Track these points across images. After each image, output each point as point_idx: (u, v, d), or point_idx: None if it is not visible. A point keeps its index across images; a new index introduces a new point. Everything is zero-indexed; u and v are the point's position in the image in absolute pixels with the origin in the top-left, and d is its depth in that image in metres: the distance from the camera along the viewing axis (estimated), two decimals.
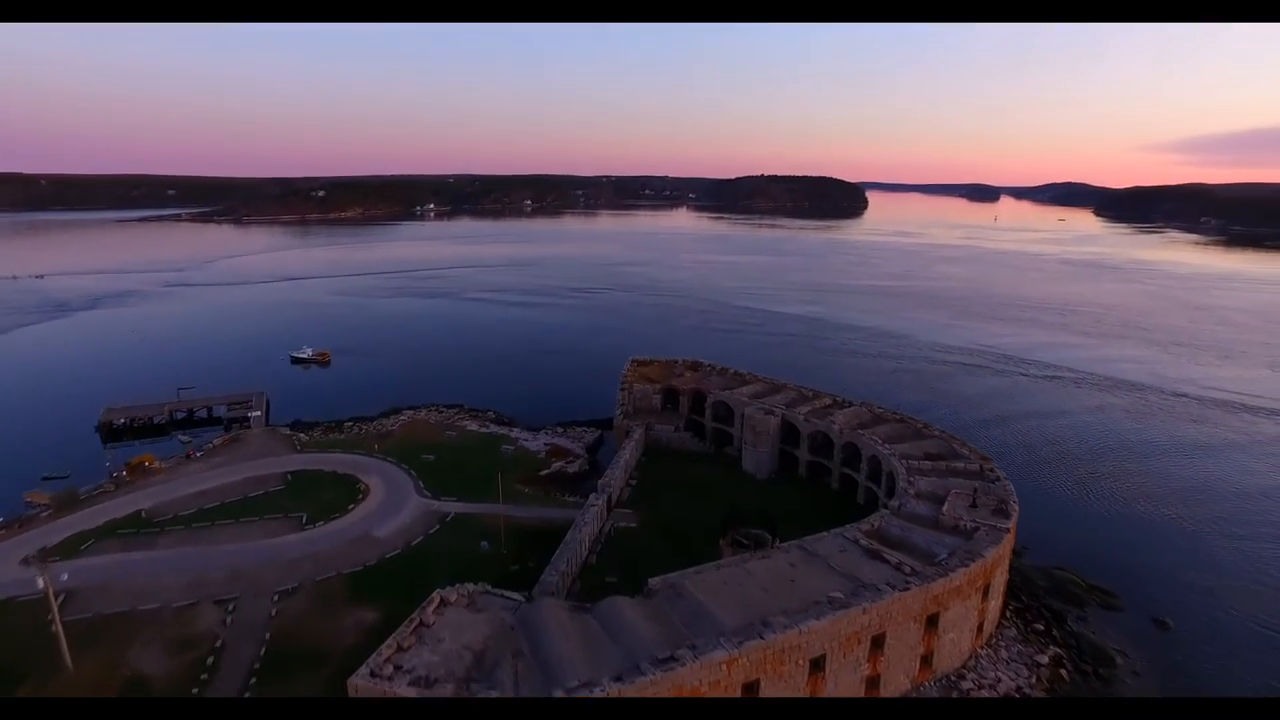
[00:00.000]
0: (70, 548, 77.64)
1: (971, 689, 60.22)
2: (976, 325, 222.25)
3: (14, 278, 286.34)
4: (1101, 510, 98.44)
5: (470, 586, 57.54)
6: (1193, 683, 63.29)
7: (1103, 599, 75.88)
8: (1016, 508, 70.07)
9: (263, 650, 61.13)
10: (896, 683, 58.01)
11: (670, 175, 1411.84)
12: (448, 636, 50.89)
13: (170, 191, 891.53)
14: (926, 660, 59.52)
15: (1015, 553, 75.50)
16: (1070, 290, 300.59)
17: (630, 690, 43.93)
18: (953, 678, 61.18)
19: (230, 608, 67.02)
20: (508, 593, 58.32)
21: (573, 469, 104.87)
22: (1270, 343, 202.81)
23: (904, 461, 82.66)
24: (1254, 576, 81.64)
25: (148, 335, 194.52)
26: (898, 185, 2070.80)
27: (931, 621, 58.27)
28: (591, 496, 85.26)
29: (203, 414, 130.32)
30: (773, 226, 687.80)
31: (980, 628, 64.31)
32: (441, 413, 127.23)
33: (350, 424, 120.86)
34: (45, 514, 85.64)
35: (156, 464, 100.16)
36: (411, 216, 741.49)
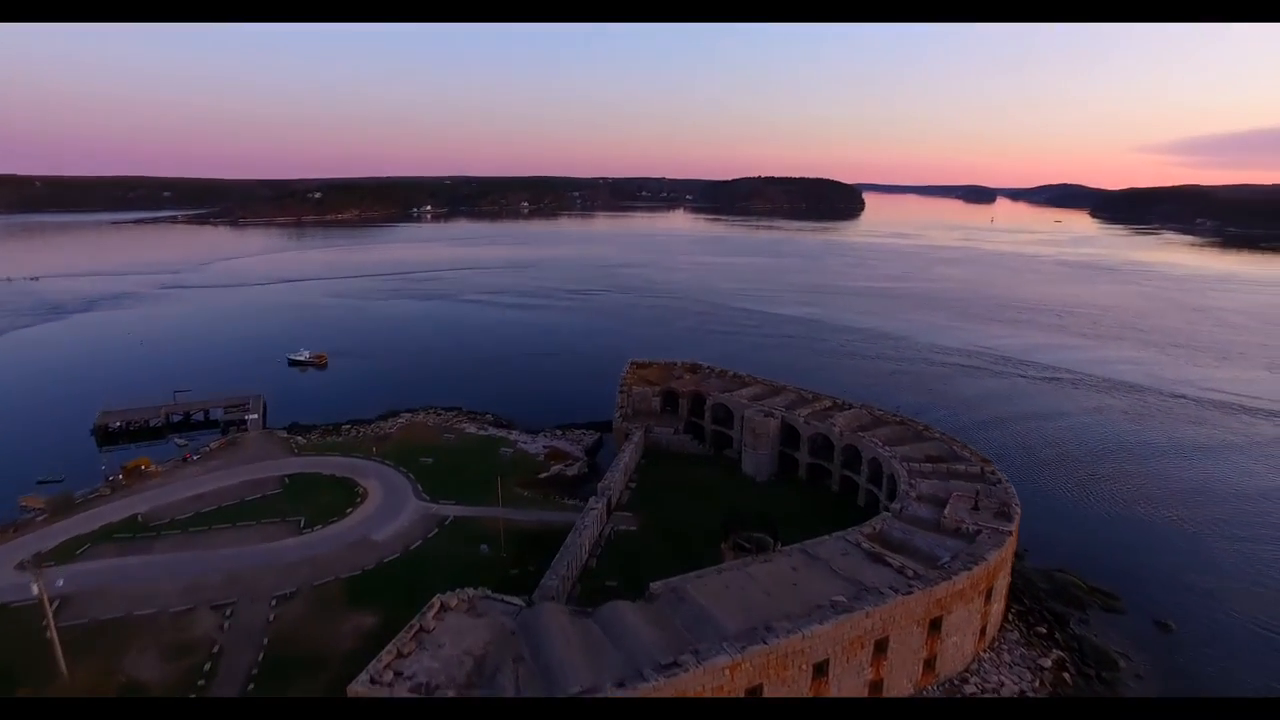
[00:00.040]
0: (65, 552, 76.97)
1: (975, 693, 59.93)
2: (974, 327, 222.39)
3: (9, 280, 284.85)
4: (1101, 512, 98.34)
5: (470, 591, 57.05)
6: (1195, 685, 63.13)
7: (1104, 601, 75.69)
8: (1018, 510, 69.87)
9: (260, 656, 60.63)
10: (899, 687, 57.68)
11: (667, 177, 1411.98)
12: (448, 642, 50.43)
13: (166, 193, 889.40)
14: (929, 664, 59.22)
15: (1016, 555, 75.18)
16: (1067, 292, 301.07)
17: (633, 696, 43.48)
18: (955, 681, 60.89)
19: (227, 613, 66.49)
20: (508, 597, 57.85)
21: (572, 472, 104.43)
22: (1268, 344, 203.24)
23: (905, 464, 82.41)
24: (1254, 578, 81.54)
25: (144, 338, 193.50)
26: (894, 186, 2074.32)
27: (934, 625, 57.98)
28: (591, 500, 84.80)
29: (199, 417, 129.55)
30: (770, 228, 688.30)
31: (983, 631, 64.05)
32: (440, 415, 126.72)
33: (348, 427, 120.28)
34: (40, 518, 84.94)
35: (153, 467, 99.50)
36: (408, 218, 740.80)
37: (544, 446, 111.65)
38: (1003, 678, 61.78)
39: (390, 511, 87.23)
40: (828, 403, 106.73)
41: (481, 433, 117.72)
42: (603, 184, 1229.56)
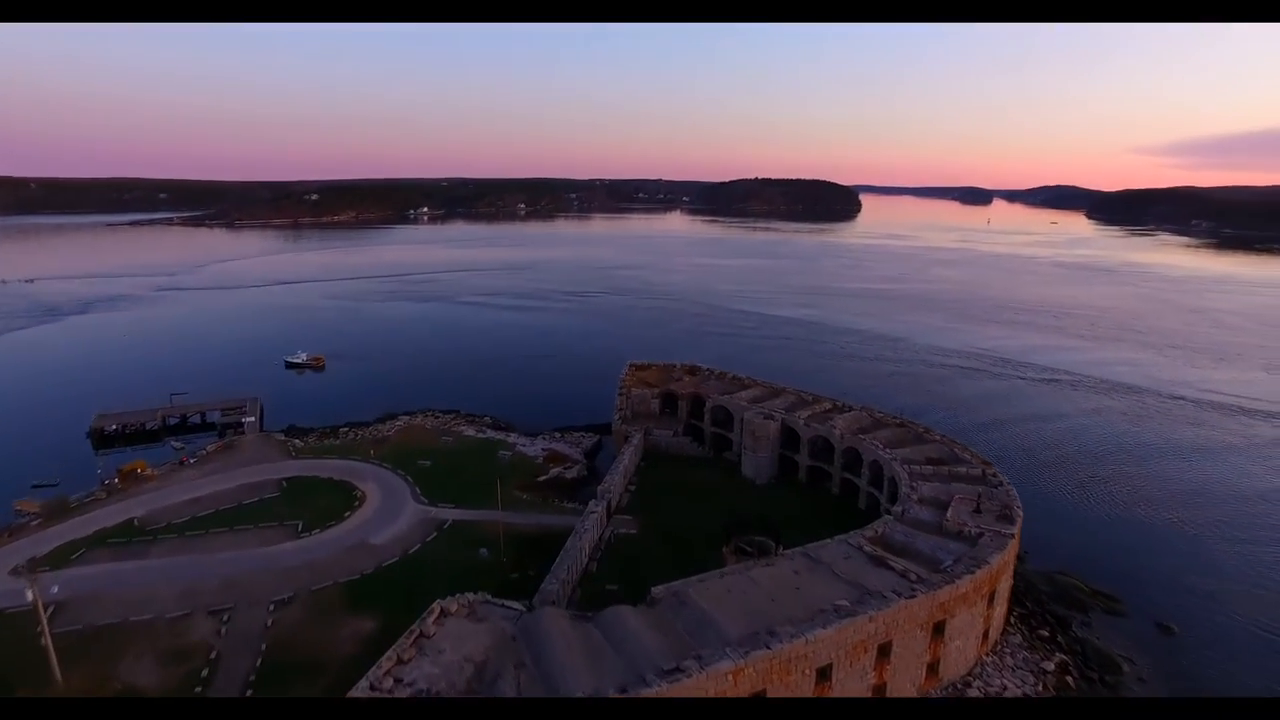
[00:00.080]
0: (60, 557, 76.28)
1: (978, 697, 59.57)
2: (972, 328, 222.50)
3: (3, 282, 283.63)
4: (1101, 514, 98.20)
5: (470, 596, 56.63)
6: (1198, 688, 62.86)
7: (1106, 604, 75.47)
8: (1020, 513, 69.62)
9: (258, 661, 60.03)
10: (902, 691, 57.30)
11: (664, 178, 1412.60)
12: (448, 648, 49.98)
13: (162, 195, 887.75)
14: (933, 668, 58.89)
15: (1018, 558, 74.95)
16: (1064, 293, 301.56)
17: None
18: (959, 685, 60.58)
19: (225, 618, 65.85)
20: (508, 602, 57.44)
21: (571, 474, 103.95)
22: (1265, 345, 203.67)
23: (906, 467, 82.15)
24: (1255, 580, 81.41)
25: (140, 340, 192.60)
26: (891, 188, 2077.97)
27: (938, 629, 57.66)
28: (591, 503, 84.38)
29: (196, 420, 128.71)
30: (767, 230, 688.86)
31: (986, 635, 63.75)
32: (438, 418, 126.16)
33: (345, 429, 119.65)
34: (35, 522, 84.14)
35: (149, 471, 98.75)
36: (405, 220, 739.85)
37: (543, 449, 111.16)
38: (1006, 681, 61.49)
39: (389, 515, 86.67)
40: (828, 405, 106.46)
41: (480, 435, 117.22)
42: (600, 185, 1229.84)
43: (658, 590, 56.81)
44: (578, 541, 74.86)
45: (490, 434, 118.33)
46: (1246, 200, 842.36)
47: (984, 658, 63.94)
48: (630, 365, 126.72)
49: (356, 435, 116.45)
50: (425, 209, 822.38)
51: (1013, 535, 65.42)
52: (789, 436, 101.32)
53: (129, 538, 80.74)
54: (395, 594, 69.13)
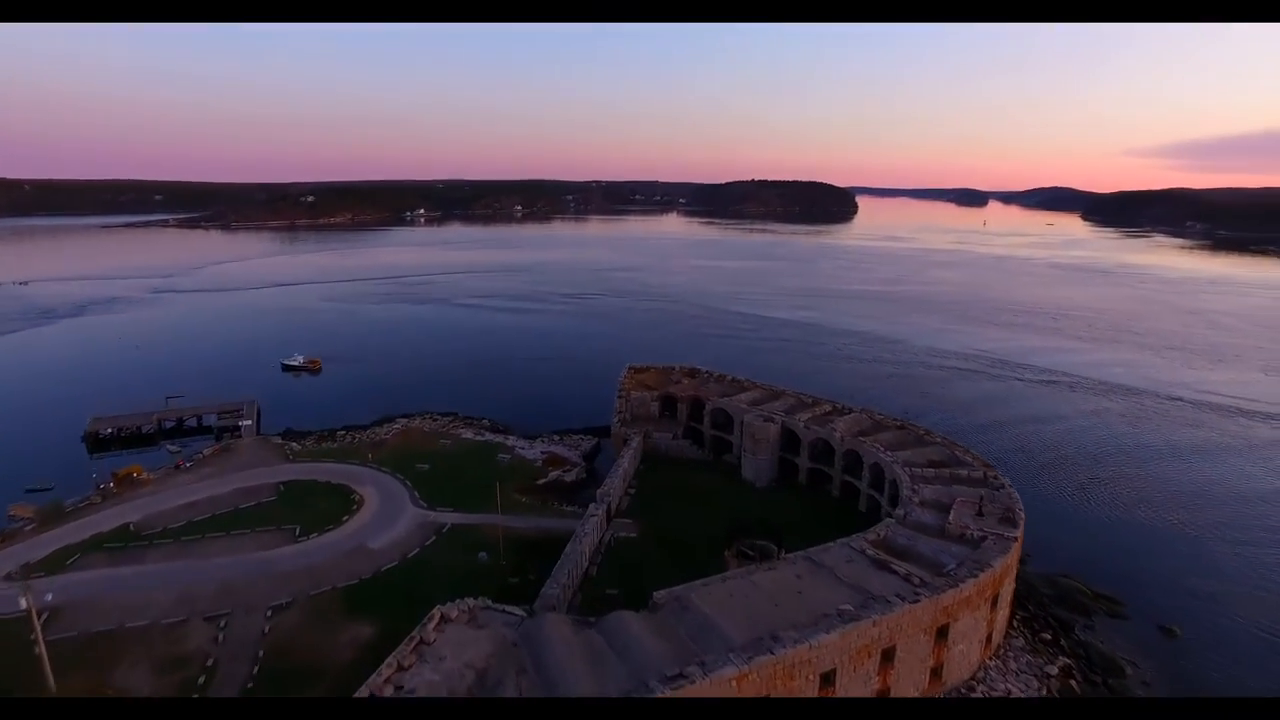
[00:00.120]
0: (55, 563, 75.52)
1: (979, 698, 59.14)
2: (970, 330, 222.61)
3: None
4: (1102, 516, 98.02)
5: (471, 601, 56.08)
6: (1204, 691, 62.56)
7: (1108, 607, 75.20)
8: (1022, 516, 69.31)
9: (256, 669, 59.38)
10: (906, 696, 56.88)
11: (661, 180, 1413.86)
12: (449, 654, 49.45)
13: (157, 197, 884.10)
14: (936, 673, 58.49)
15: (1019, 560, 74.67)
16: (1061, 294, 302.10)
17: None
18: (963, 690, 60.21)
19: (221, 624, 65.20)
20: (509, 608, 56.90)
21: (570, 478, 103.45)
22: (1261, 346, 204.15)
23: (907, 469, 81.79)
24: (1257, 582, 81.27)
25: (135, 343, 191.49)
26: (887, 190, 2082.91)
27: (941, 633, 57.26)
28: (591, 506, 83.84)
29: (192, 423, 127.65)
30: (763, 231, 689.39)
31: (989, 638, 63.44)
32: (436, 420, 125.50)
33: (343, 432, 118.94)
34: (29, 528, 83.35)
35: (144, 475, 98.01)
36: (401, 222, 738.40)
37: (542, 452, 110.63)
38: (1010, 685, 61.14)
39: (387, 519, 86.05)
40: (827, 407, 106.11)
41: (478, 438, 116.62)
42: (596, 187, 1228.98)
43: (660, 595, 56.32)
44: (578, 545, 74.29)
45: (489, 437, 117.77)
46: (1240, 202, 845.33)
47: (987, 662, 63.61)
48: (629, 368, 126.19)
49: (354, 438, 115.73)
50: (421, 211, 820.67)
51: (1015, 538, 65.10)
52: (789, 439, 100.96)
53: (124, 543, 80.00)
54: (394, 599, 68.53)
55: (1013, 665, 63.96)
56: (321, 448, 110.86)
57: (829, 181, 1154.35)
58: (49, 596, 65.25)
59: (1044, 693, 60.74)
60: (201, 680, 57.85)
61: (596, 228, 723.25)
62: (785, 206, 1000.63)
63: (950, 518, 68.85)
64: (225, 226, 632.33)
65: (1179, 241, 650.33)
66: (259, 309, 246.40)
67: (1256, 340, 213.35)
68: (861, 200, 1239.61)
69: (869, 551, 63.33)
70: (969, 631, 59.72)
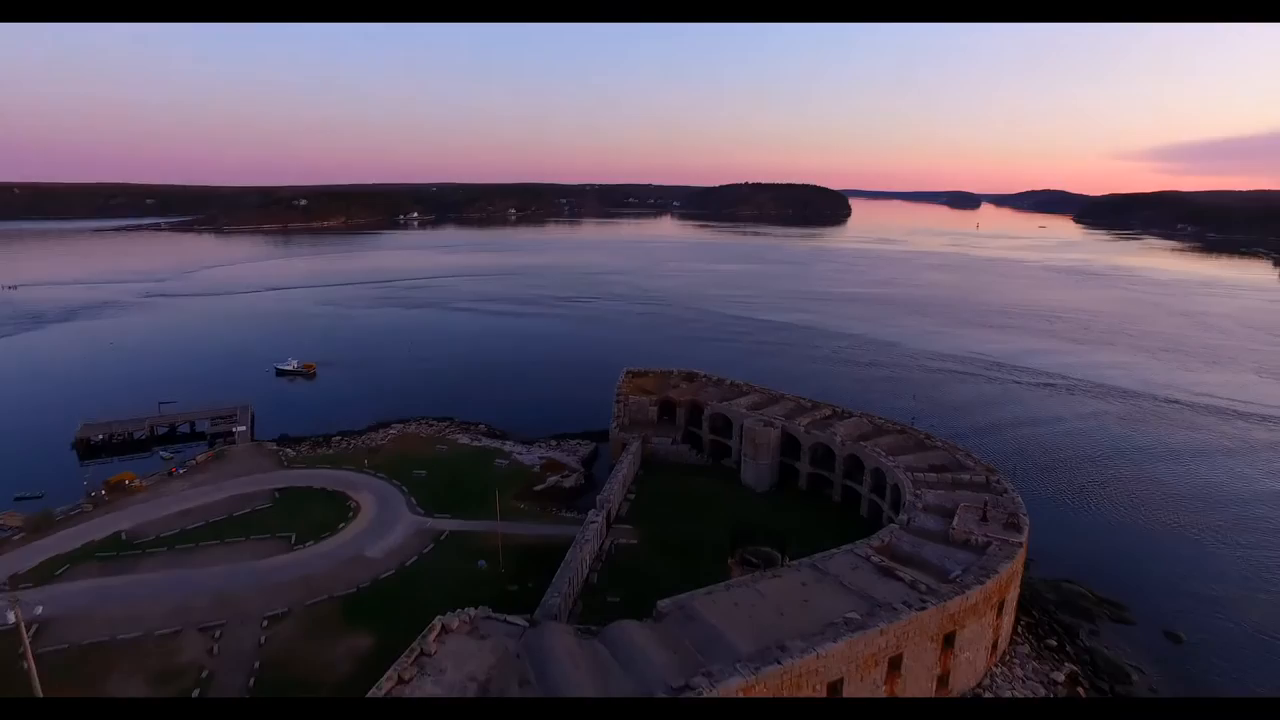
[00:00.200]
0: (44, 573, 74.02)
1: (979, 698, 58.51)
2: (966, 332, 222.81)
3: None
4: (1102, 519, 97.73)
5: (472, 611, 55.07)
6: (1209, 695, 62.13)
7: (1113, 612, 74.75)
8: (1027, 521, 68.82)
9: (252, 681, 58.17)
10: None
11: (654, 183, 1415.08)
12: (450, 666, 48.49)
13: (149, 200, 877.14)
14: (943, 680, 57.82)
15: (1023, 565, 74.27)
16: (1056, 296, 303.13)
17: None
18: (969, 698, 59.51)
19: (216, 635, 63.91)
20: (511, 617, 55.92)
21: (569, 483, 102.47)
22: (1255, 348, 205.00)
23: (909, 474, 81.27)
24: (1260, 585, 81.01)
25: (127, 347, 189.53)
26: (880, 193, 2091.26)
27: (948, 641, 56.63)
28: (590, 513, 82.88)
29: (185, 429, 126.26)
30: (757, 234, 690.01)
31: (995, 645, 62.86)
32: (432, 426, 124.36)
33: (338, 438, 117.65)
34: (18, 537, 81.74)
35: (137, 482, 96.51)
36: (395, 225, 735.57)
37: (539, 457, 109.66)
38: (1016, 693, 60.54)
39: (384, 526, 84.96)
40: (827, 411, 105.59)
41: (475, 444, 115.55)
42: (590, 190, 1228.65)
43: (664, 604, 55.47)
44: (578, 553, 73.37)
45: (485, 442, 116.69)
46: (1230, 204, 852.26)
47: (993, 669, 63.02)
48: (627, 372, 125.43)
49: (349, 444, 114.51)
50: (415, 214, 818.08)
51: (1021, 544, 64.63)
52: (789, 444, 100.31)
53: (116, 552, 78.53)
54: (392, 608, 67.51)
55: (1019, 672, 63.39)
56: (317, 454, 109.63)
57: (823, 184, 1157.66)
58: (39, 609, 63.92)
59: (1051, 699, 60.10)
60: (196, 693, 56.63)
61: (591, 231, 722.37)
62: (779, 209, 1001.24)
63: (954, 523, 68.32)
64: (218, 230, 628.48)
65: (1170, 244, 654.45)
66: (252, 313, 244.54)
67: (1249, 342, 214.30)
68: (855, 203, 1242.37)
69: (874, 558, 62.68)
70: (975, 639, 59.11)
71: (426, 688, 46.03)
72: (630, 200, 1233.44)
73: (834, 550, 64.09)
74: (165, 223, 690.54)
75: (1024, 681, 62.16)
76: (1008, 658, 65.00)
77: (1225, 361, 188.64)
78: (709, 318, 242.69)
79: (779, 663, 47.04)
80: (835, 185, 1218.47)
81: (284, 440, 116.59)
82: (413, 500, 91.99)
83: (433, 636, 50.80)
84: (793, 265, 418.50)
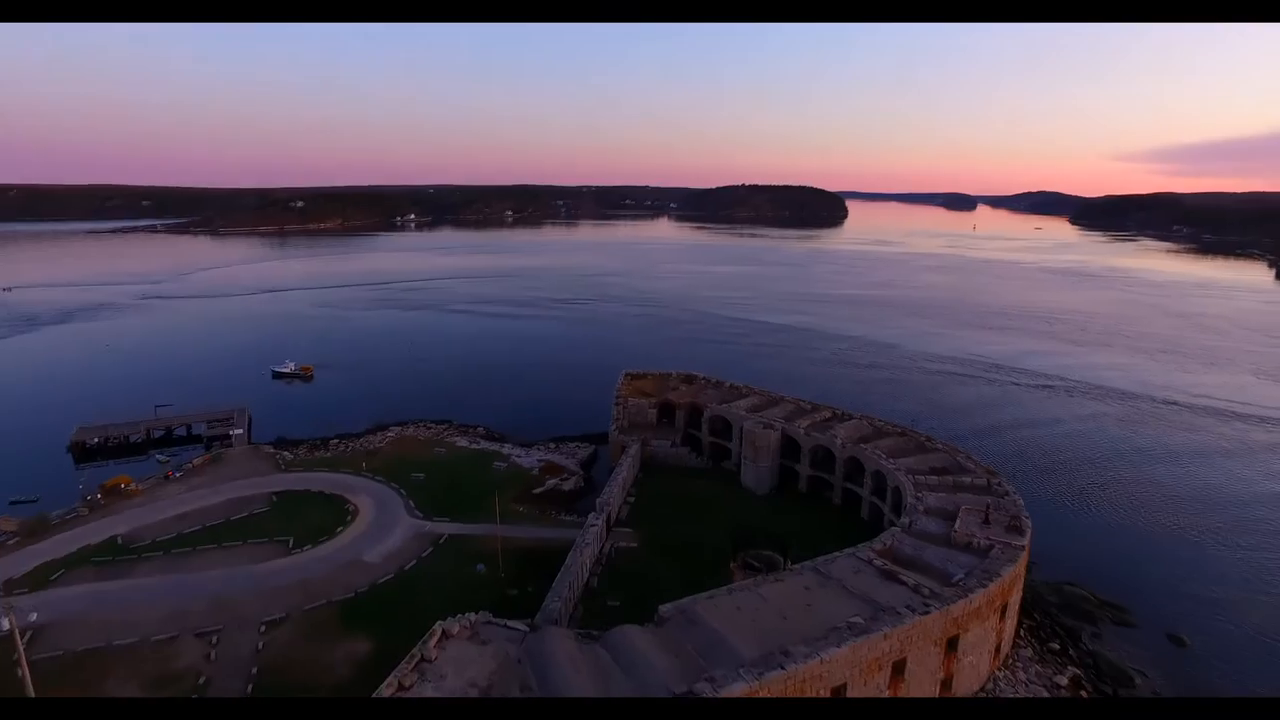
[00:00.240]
0: (39, 578, 73.41)
1: (980, 698, 58.19)
2: (964, 333, 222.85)
3: None
4: (1103, 521, 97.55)
5: (472, 616, 54.58)
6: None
7: (1115, 614, 74.50)
8: (1029, 524, 68.57)
9: (249, 687, 57.67)
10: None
11: (651, 185, 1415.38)
12: (450, 672, 48.02)
13: (145, 202, 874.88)
14: (946, 684, 57.49)
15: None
16: (1053, 298, 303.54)
17: None
18: (972, 698, 59.14)
19: (213, 640, 63.39)
20: (512, 622, 55.45)
21: (568, 486, 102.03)
22: (1251, 350, 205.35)
23: (910, 476, 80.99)
24: (1261, 587, 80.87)
25: (123, 350, 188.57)
26: (877, 194, 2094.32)
27: (951, 644, 56.33)
28: (590, 516, 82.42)
29: (181, 432, 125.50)
30: (754, 236, 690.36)
31: (998, 649, 62.57)
32: (430, 429, 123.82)
33: (336, 441, 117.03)
34: (12, 541, 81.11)
35: (133, 485, 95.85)
36: (392, 227, 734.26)
37: (538, 460, 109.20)
38: (1020, 696, 60.18)
39: (382, 530, 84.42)
40: (827, 413, 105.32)
41: (474, 446, 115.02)
42: (587, 192, 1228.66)
43: (666, 609, 55.06)
44: (578, 556, 72.91)
45: (484, 445, 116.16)
46: (1225, 206, 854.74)
47: (996, 672, 62.71)
48: (625, 374, 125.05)
49: (347, 447, 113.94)
50: (412, 216, 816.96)
51: (1023, 547, 64.38)
52: (789, 446, 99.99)
53: (112, 556, 77.97)
54: (391, 613, 67.01)
55: (1021, 676, 63.10)
56: (314, 457, 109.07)
57: (819, 186, 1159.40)
58: (33, 615, 63.28)
59: None
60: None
61: (588, 233, 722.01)
62: (776, 211, 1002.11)
63: (956, 526, 68.08)
64: (214, 232, 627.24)
65: (1166, 245, 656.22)
66: (249, 315, 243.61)
67: (1245, 343, 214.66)
68: (851, 205, 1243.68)
69: (876, 562, 62.34)
70: (979, 642, 58.81)
71: (427, 694, 45.56)
72: (627, 202, 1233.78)
73: (836, 554, 63.78)
74: (161, 224, 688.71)
75: (1027, 685, 61.87)
76: (1011, 661, 64.72)
77: (1223, 363, 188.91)
78: (707, 319, 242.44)
79: (782, 667, 46.67)
80: (832, 187, 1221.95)
81: (281, 443, 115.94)
82: (411, 503, 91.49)
83: (433, 642, 50.33)
84: (790, 267, 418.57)
